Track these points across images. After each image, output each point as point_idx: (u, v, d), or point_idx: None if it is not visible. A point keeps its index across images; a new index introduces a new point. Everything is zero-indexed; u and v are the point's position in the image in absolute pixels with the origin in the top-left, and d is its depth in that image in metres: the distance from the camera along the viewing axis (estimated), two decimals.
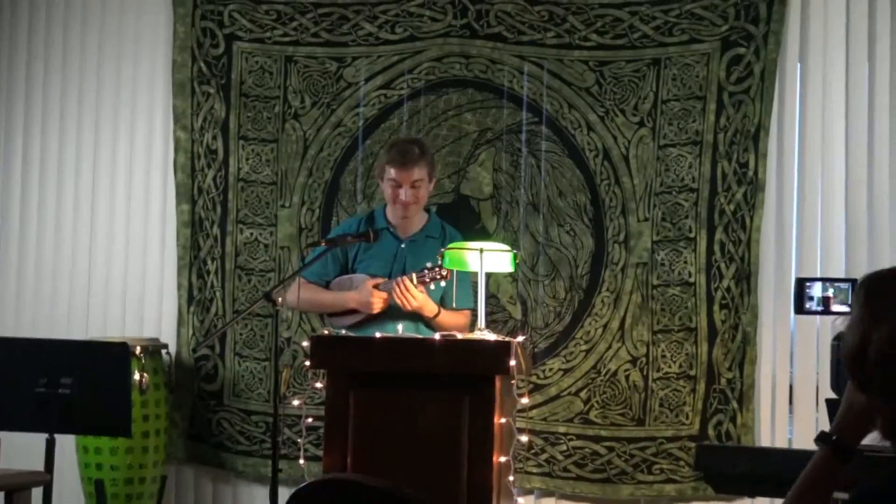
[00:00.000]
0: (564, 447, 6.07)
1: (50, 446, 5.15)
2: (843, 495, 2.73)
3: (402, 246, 5.60)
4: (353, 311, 5.55)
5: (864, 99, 6.02)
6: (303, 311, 6.15)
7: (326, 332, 5.43)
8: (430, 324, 5.47)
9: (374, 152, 6.27)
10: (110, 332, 6.56)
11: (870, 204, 6.00)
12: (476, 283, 5.40)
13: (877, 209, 5.99)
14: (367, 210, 6.01)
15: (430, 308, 5.41)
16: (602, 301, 6.10)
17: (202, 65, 6.50)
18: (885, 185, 6.00)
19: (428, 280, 5.28)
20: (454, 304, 5.50)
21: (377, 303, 5.43)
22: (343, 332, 5.40)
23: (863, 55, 6.03)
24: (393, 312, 5.47)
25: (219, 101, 6.47)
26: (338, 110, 6.37)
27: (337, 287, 5.63)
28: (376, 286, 5.46)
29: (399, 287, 5.31)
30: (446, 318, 5.48)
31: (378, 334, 5.18)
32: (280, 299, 5.24)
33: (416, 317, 5.47)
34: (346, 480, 2.71)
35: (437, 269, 5.26)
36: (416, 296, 5.30)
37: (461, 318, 5.53)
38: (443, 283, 5.31)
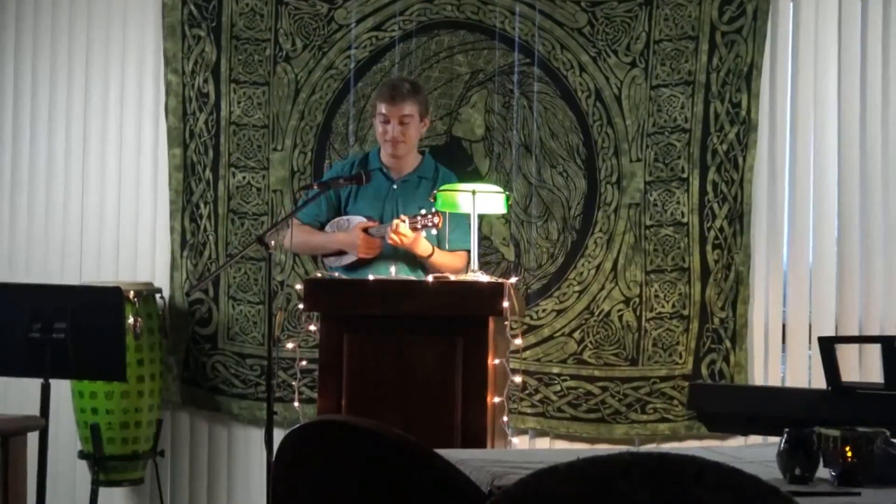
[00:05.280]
0: (558, 388, 6.09)
1: (45, 391, 5.17)
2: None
3: (395, 187, 5.60)
4: (342, 252, 5.56)
5: (857, 37, 6.00)
6: (296, 253, 6.16)
7: (320, 274, 5.44)
8: (425, 265, 5.47)
9: (365, 94, 6.25)
10: (104, 276, 6.55)
11: (862, 142, 5.99)
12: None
13: (869, 147, 5.99)
14: (362, 152, 6.00)
15: (423, 247, 5.40)
16: (595, 242, 6.10)
17: (192, 7, 6.45)
18: (877, 123, 5.99)
19: (420, 227, 5.27)
20: (447, 246, 5.51)
21: (363, 246, 5.44)
22: (336, 274, 5.40)
23: None
24: (387, 255, 5.48)
25: (210, 44, 6.44)
26: (329, 53, 6.34)
27: (332, 229, 5.64)
28: (366, 230, 5.46)
29: (391, 227, 5.30)
30: (441, 258, 5.48)
31: (371, 277, 5.18)
32: (273, 242, 5.24)
33: (410, 260, 5.48)
34: (334, 421, 2.72)
35: (429, 216, 5.24)
36: (406, 233, 5.27)
37: (457, 259, 5.52)
38: (434, 231, 5.31)
